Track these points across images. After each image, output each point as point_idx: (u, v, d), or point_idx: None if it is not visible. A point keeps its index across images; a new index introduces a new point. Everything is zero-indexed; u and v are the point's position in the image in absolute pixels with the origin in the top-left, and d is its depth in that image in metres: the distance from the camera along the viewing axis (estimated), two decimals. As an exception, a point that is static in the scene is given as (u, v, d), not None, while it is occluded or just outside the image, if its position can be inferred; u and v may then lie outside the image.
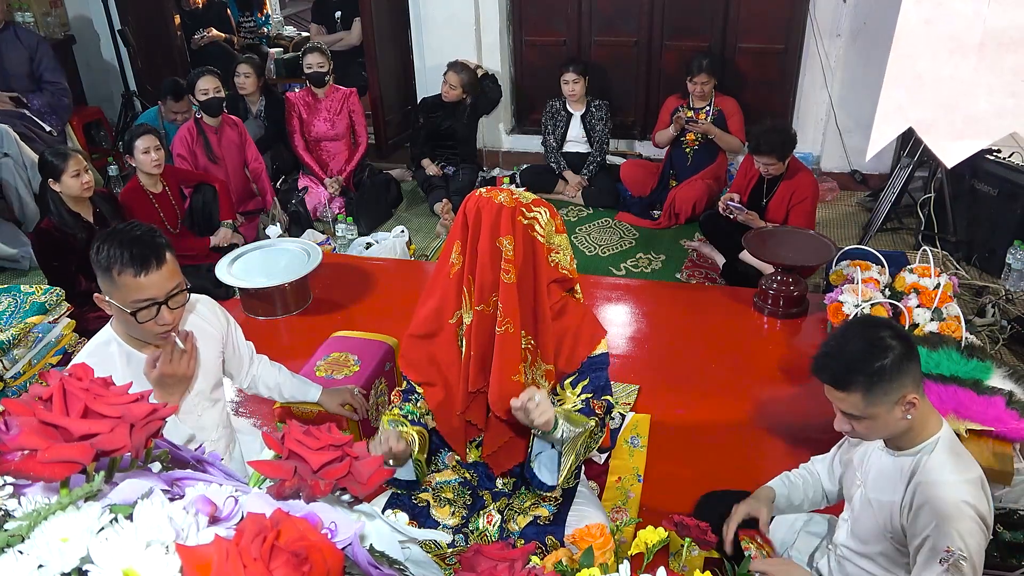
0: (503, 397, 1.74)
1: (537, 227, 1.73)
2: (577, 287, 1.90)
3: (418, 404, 1.91)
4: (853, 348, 1.45)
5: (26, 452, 0.64)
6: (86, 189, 3.22)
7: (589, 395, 1.82)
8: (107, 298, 1.71)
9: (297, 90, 4.86)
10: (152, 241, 1.70)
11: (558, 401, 1.84)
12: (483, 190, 1.77)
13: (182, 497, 0.70)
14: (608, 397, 1.85)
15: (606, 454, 2.38)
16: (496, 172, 5.13)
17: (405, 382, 1.94)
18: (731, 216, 3.74)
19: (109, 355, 1.78)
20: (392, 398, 1.99)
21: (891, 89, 0.88)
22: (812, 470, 1.90)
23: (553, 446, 1.82)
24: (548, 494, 1.90)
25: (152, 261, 1.67)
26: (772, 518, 1.83)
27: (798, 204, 3.58)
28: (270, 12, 7.20)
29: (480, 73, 4.80)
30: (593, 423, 1.77)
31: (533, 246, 1.74)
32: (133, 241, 1.67)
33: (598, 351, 1.84)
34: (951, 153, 0.88)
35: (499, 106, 5.14)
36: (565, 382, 1.84)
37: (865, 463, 1.64)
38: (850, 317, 2.60)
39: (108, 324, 1.84)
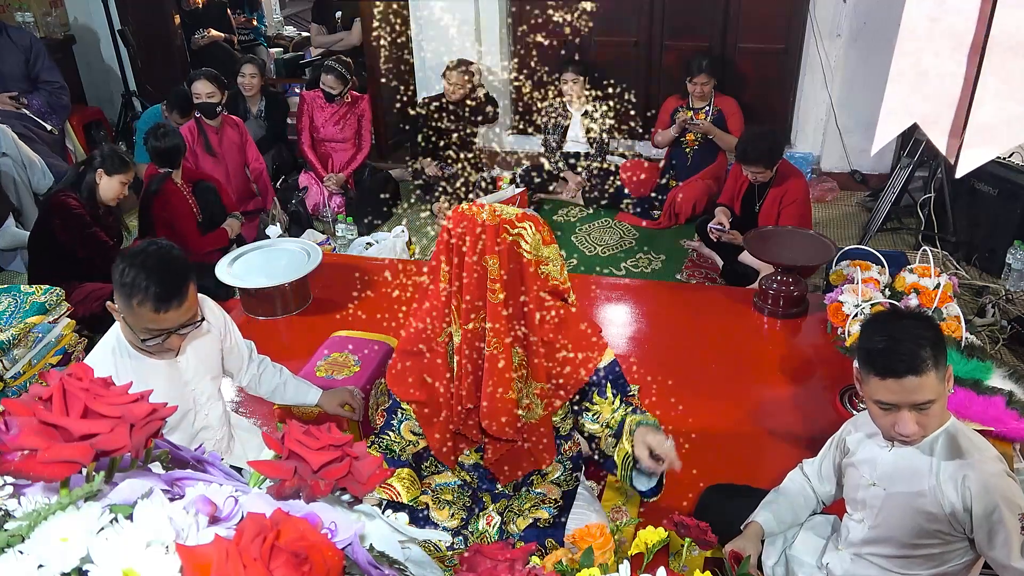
0: (495, 415, 1.73)
1: (523, 243, 1.69)
2: (571, 295, 1.89)
3: (401, 429, 1.90)
4: (907, 334, 1.45)
5: (26, 452, 0.64)
6: (119, 199, 3.40)
7: (620, 395, 1.82)
8: (121, 315, 1.72)
9: (299, 90, 4.87)
10: (179, 273, 1.68)
11: (590, 413, 1.83)
12: (465, 206, 1.73)
13: (182, 497, 0.70)
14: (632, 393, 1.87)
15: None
16: (496, 172, 5.13)
17: (390, 399, 1.94)
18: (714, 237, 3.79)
19: (115, 363, 1.80)
20: (376, 418, 1.98)
21: (895, 85, 0.87)
22: (798, 480, 1.90)
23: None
24: (548, 496, 1.89)
25: (174, 301, 1.66)
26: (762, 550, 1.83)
27: (788, 206, 3.58)
28: (263, 11, 7.17)
29: (483, 92, 4.80)
30: (652, 418, 1.78)
31: (520, 262, 1.70)
32: (161, 271, 1.64)
33: (605, 361, 1.83)
34: (963, 162, 0.87)
35: (499, 105, 5.14)
36: (593, 395, 1.82)
37: (873, 462, 1.64)
38: (850, 318, 2.60)
39: (114, 332, 1.85)
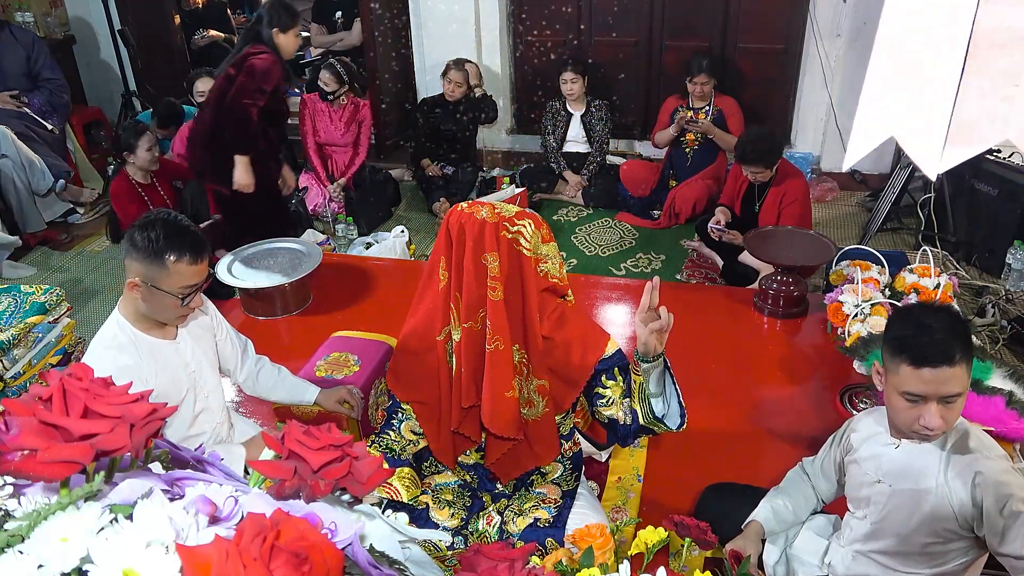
0: (496, 413, 1.73)
1: (522, 240, 1.70)
2: (569, 293, 1.89)
3: (401, 429, 1.91)
4: (941, 324, 1.44)
5: (26, 452, 0.64)
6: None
7: (627, 377, 1.81)
8: (148, 284, 1.76)
9: (299, 91, 4.87)
10: (197, 230, 1.82)
11: (603, 400, 1.81)
12: (464, 205, 1.74)
13: (182, 497, 0.70)
14: None
15: (607, 454, 2.38)
16: (496, 172, 5.13)
17: (390, 399, 1.94)
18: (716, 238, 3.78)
19: (123, 346, 1.84)
20: (375, 418, 1.99)
21: (872, 95, 0.84)
22: (799, 479, 1.90)
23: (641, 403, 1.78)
24: (548, 496, 1.89)
25: (204, 251, 1.80)
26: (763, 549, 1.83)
27: (788, 206, 3.59)
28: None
29: (479, 93, 4.81)
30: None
31: (519, 260, 1.71)
32: (184, 231, 1.77)
33: (610, 351, 1.82)
34: (943, 159, 0.84)
35: (499, 105, 5.14)
36: (602, 379, 1.81)
37: (879, 459, 1.65)
38: (850, 318, 2.60)
39: (113, 318, 1.89)
